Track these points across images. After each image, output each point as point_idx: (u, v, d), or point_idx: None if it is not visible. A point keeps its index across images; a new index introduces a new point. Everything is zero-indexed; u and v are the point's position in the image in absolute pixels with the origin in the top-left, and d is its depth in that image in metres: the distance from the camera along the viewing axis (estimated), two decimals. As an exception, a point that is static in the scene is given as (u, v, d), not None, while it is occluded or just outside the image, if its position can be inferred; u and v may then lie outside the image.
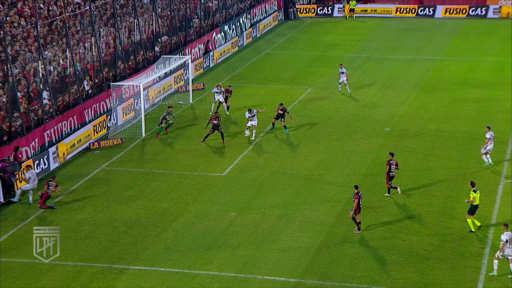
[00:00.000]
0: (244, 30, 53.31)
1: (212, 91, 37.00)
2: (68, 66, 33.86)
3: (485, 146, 29.62)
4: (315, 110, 38.03)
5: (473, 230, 24.22)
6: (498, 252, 21.47)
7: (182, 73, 42.32)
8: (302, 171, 29.98)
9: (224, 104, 36.70)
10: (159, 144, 33.45)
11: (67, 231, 24.40)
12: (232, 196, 27.72)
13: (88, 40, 36.85)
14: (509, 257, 21.38)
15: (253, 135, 33.23)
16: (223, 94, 36.53)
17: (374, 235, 24.37)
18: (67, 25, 35.45)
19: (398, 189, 27.21)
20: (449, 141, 33.06)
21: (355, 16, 59.64)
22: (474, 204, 24.13)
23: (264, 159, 31.47)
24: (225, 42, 50.31)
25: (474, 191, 24.16)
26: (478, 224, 24.45)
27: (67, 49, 34.06)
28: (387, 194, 27.20)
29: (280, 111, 34.21)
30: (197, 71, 44.91)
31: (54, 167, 30.57)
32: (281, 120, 34.16)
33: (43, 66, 31.80)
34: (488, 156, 29.65)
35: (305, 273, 22.13)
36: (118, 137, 33.90)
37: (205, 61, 46.23)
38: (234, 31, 52.15)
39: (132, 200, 27.44)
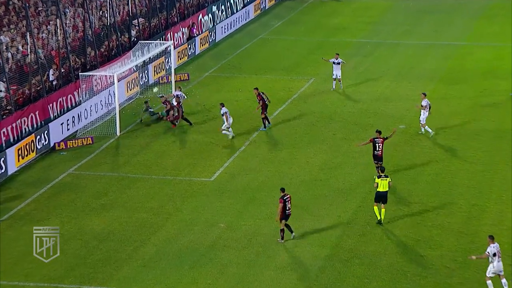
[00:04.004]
0: (235, 11, 53.26)
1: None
2: (28, 53, 33.69)
3: (422, 115, 32.42)
4: (317, 104, 38.00)
5: (378, 218, 25.72)
6: (488, 269, 21.59)
7: (163, 62, 42.22)
8: (303, 175, 29.93)
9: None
10: (136, 144, 33.35)
11: (28, 246, 24.26)
12: (221, 205, 27.64)
13: (52, 22, 36.66)
14: (500, 273, 21.56)
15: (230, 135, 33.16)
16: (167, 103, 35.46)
17: (387, 250, 24.36)
18: (27, 4, 35.23)
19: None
20: (473, 141, 33.08)
21: None
22: (379, 190, 25.51)
23: (259, 162, 31.41)
24: (213, 25, 50.25)
25: (379, 177, 25.75)
26: (380, 217, 25.56)
27: (28, 33, 33.89)
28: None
29: (259, 101, 34.05)
30: (180, 59, 44.84)
31: (13, 171, 30.41)
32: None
33: (-1, 53, 31.67)
34: (426, 126, 32.81)
35: (307, 294, 22.12)
36: (89, 136, 33.77)
37: (190, 48, 46.16)
38: (224, 13, 52.10)
39: (104, 210, 27.32)
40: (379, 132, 29.28)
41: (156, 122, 35.56)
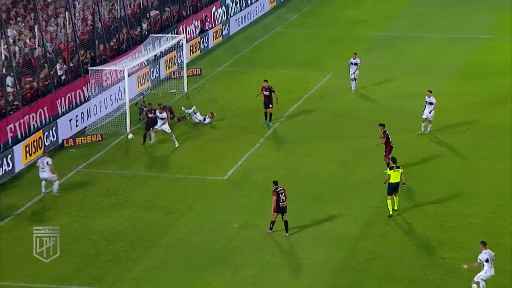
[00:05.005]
0: (249, 4, 53.20)
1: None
2: (36, 47, 33.78)
3: (431, 112, 32.64)
4: (335, 100, 37.89)
5: (390, 213, 26.06)
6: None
7: (175, 56, 42.23)
8: (320, 174, 29.86)
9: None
10: (147, 141, 33.32)
11: (35, 245, 24.38)
12: (235, 204, 27.61)
13: (61, 15, 36.73)
14: (487, 278, 21.40)
15: (152, 139, 32.43)
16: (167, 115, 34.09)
17: (407, 252, 24.26)
18: (36, -3, 35.34)
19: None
20: (497, 138, 32.90)
21: None
22: (391, 182, 25.83)
23: (274, 160, 31.36)
24: (227, 18, 50.20)
25: (390, 168, 25.90)
26: (395, 207, 26.03)
27: (36, 26, 33.97)
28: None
29: (265, 92, 33.88)
30: (193, 53, 44.83)
31: (20, 168, 30.49)
32: (267, 107, 34.06)
33: (6, 46, 31.73)
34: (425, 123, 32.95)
35: (323, 297, 22.10)
36: (98, 133, 33.81)
37: (203, 41, 46.13)
38: (238, 5, 52.05)
39: (114, 209, 27.35)
40: (384, 125, 29.57)
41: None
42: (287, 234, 25.07)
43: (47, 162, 27.96)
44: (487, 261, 21.31)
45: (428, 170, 30.02)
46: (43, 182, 28.09)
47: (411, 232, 25.52)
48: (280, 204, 24.81)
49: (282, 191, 24.90)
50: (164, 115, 32.53)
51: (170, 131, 32.37)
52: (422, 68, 42.57)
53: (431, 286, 22.55)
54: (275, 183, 25.07)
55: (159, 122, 32.30)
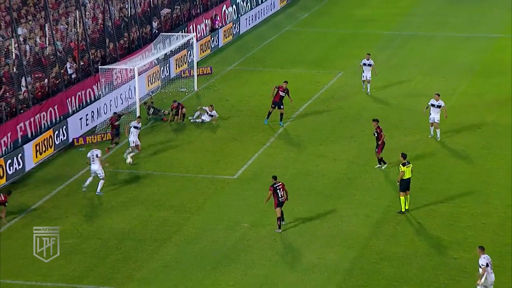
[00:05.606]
0: (260, 2, 53.29)
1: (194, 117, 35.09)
2: (47, 45, 33.98)
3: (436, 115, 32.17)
4: (346, 99, 37.91)
5: (403, 210, 26.25)
6: (479, 281, 21.18)
7: (185, 55, 42.36)
8: (330, 173, 29.93)
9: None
10: (156, 140, 33.50)
11: (45, 244, 24.56)
12: (245, 203, 27.72)
13: (72, 14, 36.92)
14: (491, 286, 21.20)
15: (129, 158, 30.79)
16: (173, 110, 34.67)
17: (418, 252, 24.29)
18: (46, -5, 35.55)
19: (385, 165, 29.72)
20: (509, 138, 32.84)
21: None
22: (404, 178, 26.06)
23: (284, 159, 31.43)
24: (237, 16, 50.29)
25: (403, 164, 25.91)
26: (407, 207, 26.14)
27: (46, 24, 34.17)
28: (378, 166, 29.78)
29: (281, 92, 34.05)
30: (203, 52, 44.95)
31: (30, 167, 30.69)
32: (278, 107, 34.10)
33: (16, 45, 31.92)
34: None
35: (333, 297, 22.15)
36: (108, 132, 33.95)
37: (213, 40, 46.24)
38: (248, 4, 52.14)
39: (124, 208, 27.50)
40: (377, 121, 30.01)
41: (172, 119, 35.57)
42: (283, 223, 25.49)
43: (97, 155, 28.34)
44: (487, 266, 21.18)
45: (439, 170, 30.04)
46: (88, 180, 28.23)
47: (422, 232, 25.55)
48: (280, 199, 25.13)
49: (280, 186, 25.21)
50: (140, 125, 31.64)
51: (139, 143, 31.15)
52: (435, 67, 42.51)
53: (442, 287, 22.55)
54: (274, 177, 25.38)
55: (133, 133, 30.97)
